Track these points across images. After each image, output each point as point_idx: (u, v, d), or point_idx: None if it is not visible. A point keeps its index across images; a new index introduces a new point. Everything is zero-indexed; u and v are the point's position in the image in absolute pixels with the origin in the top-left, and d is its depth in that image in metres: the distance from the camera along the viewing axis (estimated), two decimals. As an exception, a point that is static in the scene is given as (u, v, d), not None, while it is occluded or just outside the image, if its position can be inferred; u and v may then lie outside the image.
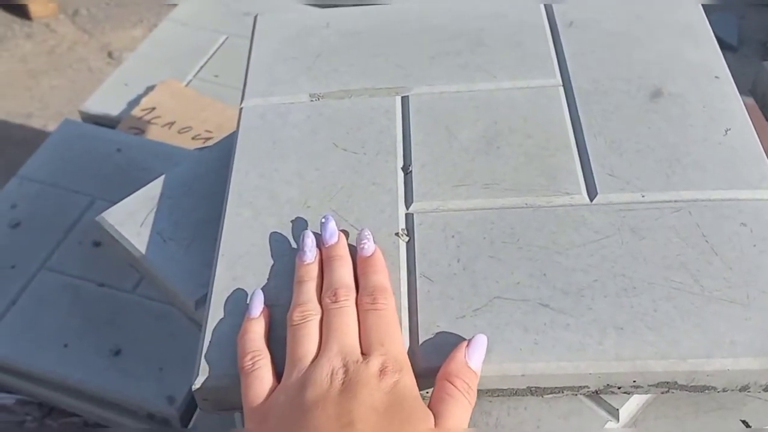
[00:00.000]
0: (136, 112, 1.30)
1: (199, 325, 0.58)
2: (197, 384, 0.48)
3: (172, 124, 1.27)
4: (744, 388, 0.47)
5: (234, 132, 0.68)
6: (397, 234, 0.55)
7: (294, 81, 0.68)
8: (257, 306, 0.50)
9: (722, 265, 0.50)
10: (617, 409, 0.50)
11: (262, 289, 0.52)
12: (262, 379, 0.46)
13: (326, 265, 0.52)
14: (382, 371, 0.44)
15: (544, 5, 0.73)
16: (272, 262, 0.54)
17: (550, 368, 0.47)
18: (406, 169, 0.60)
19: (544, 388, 0.48)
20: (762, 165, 0.57)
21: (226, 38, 1.47)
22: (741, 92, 0.64)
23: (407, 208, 0.57)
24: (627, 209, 0.55)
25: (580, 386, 0.48)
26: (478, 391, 0.47)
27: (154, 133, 1.27)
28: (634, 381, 0.47)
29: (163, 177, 0.66)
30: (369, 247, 0.52)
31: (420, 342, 0.48)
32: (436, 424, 0.43)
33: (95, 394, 0.92)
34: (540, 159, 0.59)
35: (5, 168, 2.31)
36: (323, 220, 0.54)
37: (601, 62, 0.66)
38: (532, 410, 0.51)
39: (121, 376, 0.92)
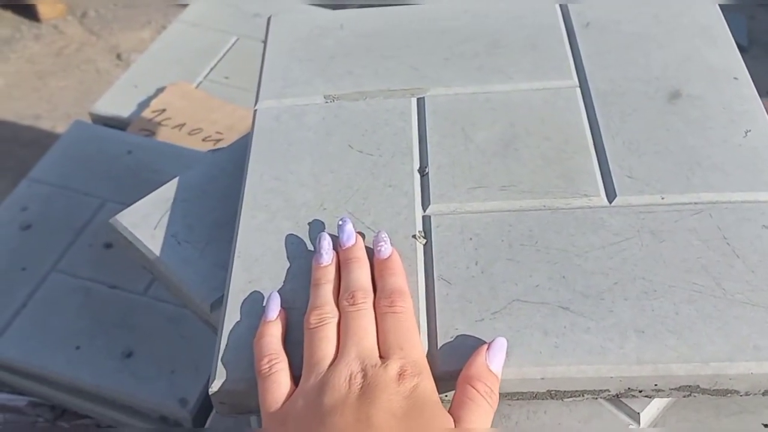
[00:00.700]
0: (147, 113, 1.30)
1: (214, 328, 0.58)
2: (214, 387, 0.48)
3: (182, 125, 1.27)
4: (767, 392, 0.47)
5: (248, 134, 0.68)
6: (414, 236, 0.54)
7: (308, 82, 0.68)
8: (274, 309, 0.50)
9: (744, 267, 0.50)
10: (638, 413, 0.50)
11: (278, 291, 0.52)
12: (279, 383, 0.46)
13: (343, 267, 0.52)
14: (401, 375, 0.44)
15: (560, 6, 0.72)
16: (288, 264, 0.54)
17: (570, 371, 0.46)
18: (423, 171, 0.59)
19: (565, 391, 0.47)
20: (783, 167, 0.56)
21: (237, 39, 1.47)
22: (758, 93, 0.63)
23: (424, 211, 0.57)
24: (646, 211, 0.54)
25: (601, 390, 0.47)
26: (499, 394, 0.47)
27: (165, 135, 1.27)
28: (656, 385, 0.46)
29: (176, 179, 0.66)
30: (386, 249, 0.52)
31: (439, 345, 0.48)
32: (456, 429, 0.43)
33: (107, 396, 0.92)
34: (558, 161, 0.59)
35: (14, 169, 2.32)
36: (340, 222, 0.54)
37: (618, 63, 0.66)
38: (552, 414, 0.50)
39: (133, 378, 0.92)
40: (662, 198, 0.55)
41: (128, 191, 1.12)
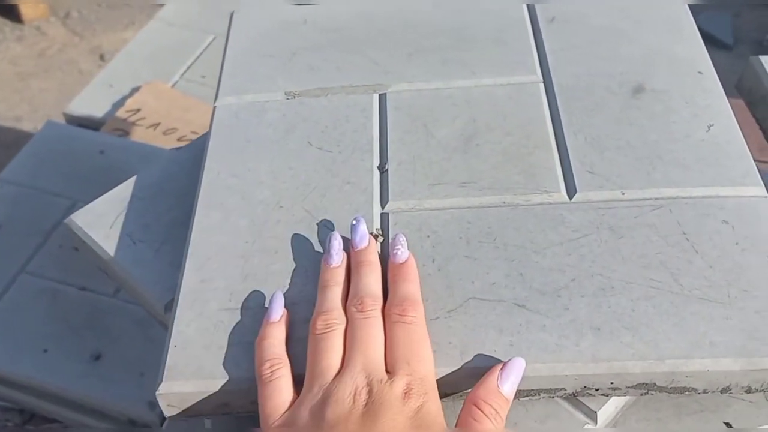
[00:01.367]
0: (121, 113, 1.29)
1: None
2: (161, 389, 0.47)
3: (157, 125, 1.26)
4: (725, 390, 0.46)
5: (207, 131, 0.67)
6: (371, 234, 0.53)
7: (270, 78, 0.67)
8: (278, 309, 0.48)
9: (703, 263, 0.49)
10: (595, 412, 0.49)
11: (227, 290, 0.50)
12: (281, 390, 0.44)
13: (354, 270, 0.50)
14: (407, 393, 0.42)
15: (527, 4, 0.72)
16: (242, 263, 0.53)
17: (525, 370, 0.45)
18: (382, 168, 0.58)
19: (520, 390, 0.46)
20: (745, 161, 0.55)
21: (214, 38, 1.46)
22: (735, 91, 0.62)
23: (383, 208, 0.56)
24: (606, 207, 0.53)
25: (557, 388, 0.46)
26: (449, 394, 0.46)
27: (139, 135, 1.25)
28: (612, 383, 0.46)
29: (134, 178, 0.65)
30: (402, 253, 0.50)
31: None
32: None
33: (76, 399, 0.90)
34: (519, 157, 0.58)
35: None
36: (354, 222, 0.51)
37: (583, 58, 0.65)
38: (509, 414, 0.49)
39: (102, 381, 0.91)
40: (623, 194, 0.54)
41: (100, 191, 1.11)
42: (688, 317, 0.46)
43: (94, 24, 2.85)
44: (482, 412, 0.43)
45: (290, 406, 0.44)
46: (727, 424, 0.50)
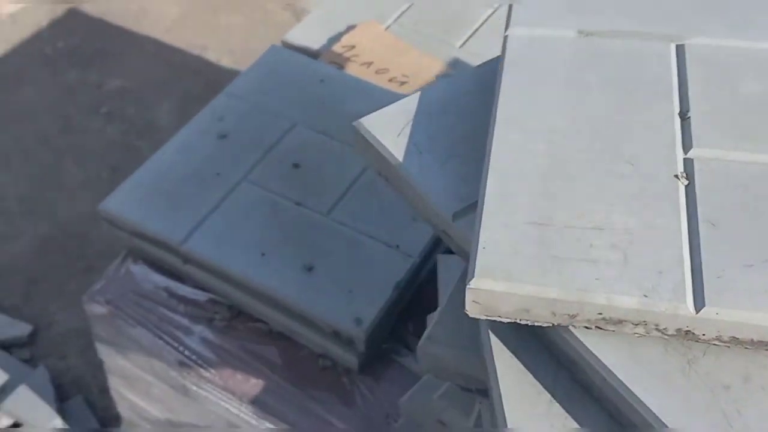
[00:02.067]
0: (337, 48, 1.33)
1: (450, 238, 0.59)
2: (472, 285, 0.49)
3: (370, 63, 1.30)
4: None
5: (489, 61, 0.68)
6: (676, 176, 0.53)
7: (561, 15, 0.67)
8: None
9: None
10: None
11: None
12: None
13: None
14: None
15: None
16: (543, 184, 0.54)
17: None
18: (684, 116, 0.58)
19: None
20: None
21: (427, -12, 1.47)
22: None
23: (685, 153, 0.55)
24: None
25: None
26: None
27: (353, 70, 1.29)
28: None
29: (419, 93, 0.67)
30: None
31: (704, 286, 0.47)
32: None
33: (286, 303, 0.95)
34: (834, 123, 0.56)
35: (179, 95, 2.44)
36: None
37: None
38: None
39: (313, 291, 0.95)
40: None
41: (318, 118, 1.16)
42: None
43: (282, -32, 2.95)
44: None
45: None
46: None
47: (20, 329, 1.80)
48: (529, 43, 0.65)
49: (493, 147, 0.57)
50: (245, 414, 0.98)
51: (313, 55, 1.35)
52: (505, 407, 0.49)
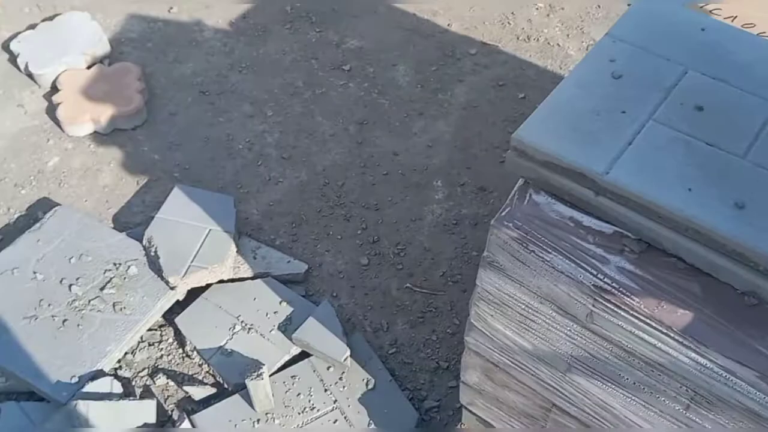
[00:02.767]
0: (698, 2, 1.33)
1: None
2: None
3: (734, 17, 1.29)
4: None
5: None
6: None
7: None
8: None
9: None
10: None
11: None
12: None
13: None
14: None
15: None
16: None
17: None
18: None
19: None
20: None
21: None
22: None
23: None
24: None
25: None
26: None
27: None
28: None
29: None
30: None
31: None
32: None
33: (718, 239, 0.96)
34: None
35: (416, 57, 2.48)
36: None
37: None
38: None
39: (749, 227, 0.96)
40: None
41: (708, 65, 1.16)
42: None
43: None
44: None
45: None
46: None
47: (296, 267, 1.89)
48: None
49: None
50: (665, 344, 1.00)
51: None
52: None
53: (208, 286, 1.83)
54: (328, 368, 1.71)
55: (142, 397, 1.67)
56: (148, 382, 1.72)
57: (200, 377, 1.73)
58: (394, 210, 2.08)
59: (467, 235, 2.02)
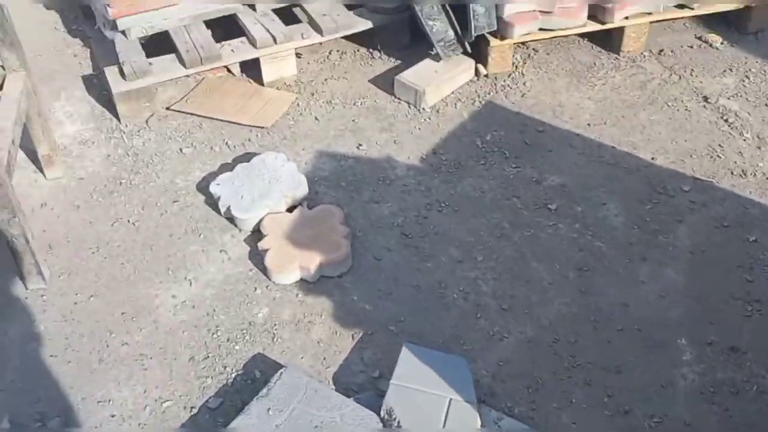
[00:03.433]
0: None
1: None
2: None
3: None
4: None
5: None
6: None
7: None
8: None
9: None
10: None
11: None
12: None
13: None
14: None
15: None
16: None
17: None
18: None
19: None
20: None
21: None
22: None
23: None
24: None
25: None
26: None
27: None
28: None
29: None
30: None
31: None
32: None
33: None
34: None
35: (624, 194, 2.22)
36: None
37: None
38: None
39: None
40: None
41: None
42: None
43: (688, 65, 2.81)
44: None
45: None
46: None
47: (545, 443, 1.70)
48: None
49: None
50: None
51: None
52: None
53: (455, 465, 1.65)
54: None
55: None
56: None
57: None
58: (639, 373, 1.87)
59: (729, 407, 1.78)
